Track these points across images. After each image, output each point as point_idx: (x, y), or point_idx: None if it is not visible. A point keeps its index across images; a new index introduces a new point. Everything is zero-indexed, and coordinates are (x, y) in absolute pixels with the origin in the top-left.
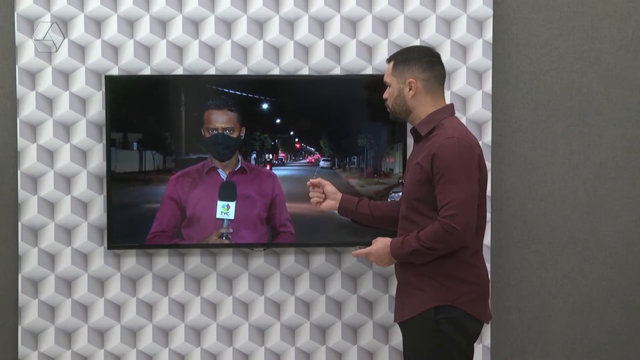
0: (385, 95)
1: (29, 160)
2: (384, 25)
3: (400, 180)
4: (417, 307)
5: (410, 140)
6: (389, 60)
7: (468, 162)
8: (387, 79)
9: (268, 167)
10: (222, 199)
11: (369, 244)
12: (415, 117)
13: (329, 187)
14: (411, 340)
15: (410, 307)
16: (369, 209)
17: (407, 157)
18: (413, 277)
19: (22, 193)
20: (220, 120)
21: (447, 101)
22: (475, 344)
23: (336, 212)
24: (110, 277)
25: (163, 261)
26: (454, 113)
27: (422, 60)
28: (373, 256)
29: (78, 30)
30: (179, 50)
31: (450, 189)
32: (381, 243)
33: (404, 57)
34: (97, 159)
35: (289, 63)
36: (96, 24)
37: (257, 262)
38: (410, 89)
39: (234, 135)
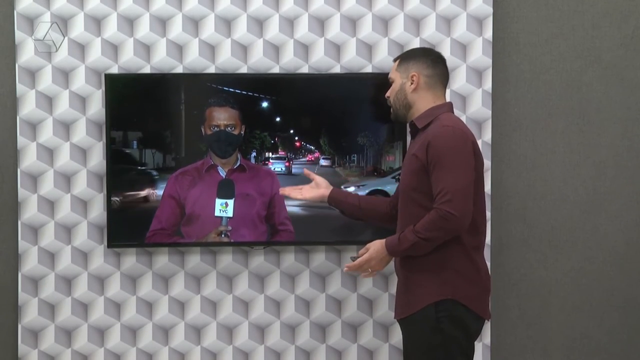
0: (387, 94)
1: (29, 158)
2: (383, 23)
3: (397, 176)
4: (417, 304)
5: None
6: (395, 60)
7: (462, 149)
8: (391, 75)
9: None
10: (220, 197)
11: (363, 243)
12: (415, 113)
13: (319, 178)
14: (411, 337)
15: (410, 303)
16: (357, 200)
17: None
18: (413, 273)
19: (22, 191)
20: (223, 117)
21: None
22: (475, 342)
23: (325, 202)
24: (110, 276)
25: (163, 259)
26: (452, 110)
27: (428, 58)
28: (373, 260)
29: (78, 28)
30: (178, 49)
31: (446, 176)
32: (378, 245)
33: (409, 54)
34: (97, 158)
35: (289, 61)
36: (96, 23)
37: (256, 260)
38: (411, 83)
39: (235, 132)
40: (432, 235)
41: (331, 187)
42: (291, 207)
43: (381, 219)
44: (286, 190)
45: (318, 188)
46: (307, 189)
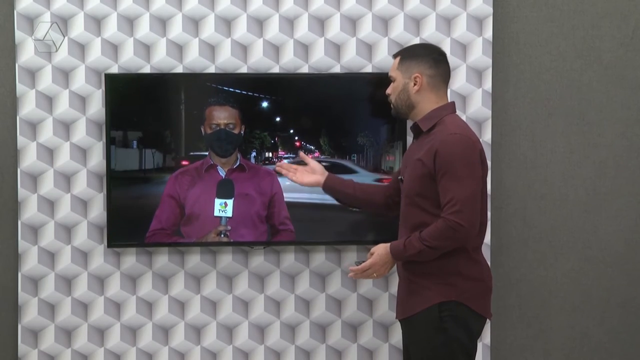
0: (388, 91)
1: (29, 158)
2: (383, 23)
3: (400, 177)
4: (421, 304)
5: (410, 139)
6: (395, 56)
7: (471, 159)
8: (392, 73)
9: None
10: (219, 197)
11: (371, 242)
12: (418, 113)
13: (315, 164)
14: (414, 337)
15: (413, 304)
16: (352, 189)
17: None
18: (416, 275)
19: (22, 191)
20: (223, 116)
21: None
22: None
23: (320, 187)
24: (110, 276)
25: (163, 259)
26: (455, 111)
27: (430, 57)
28: (376, 265)
29: (78, 28)
30: (178, 49)
31: (454, 185)
32: (382, 250)
33: (411, 53)
34: (97, 158)
35: (289, 61)
36: (96, 22)
37: (256, 260)
38: (415, 84)
39: (236, 131)
40: (439, 244)
41: (326, 174)
42: (291, 207)
43: (376, 207)
44: (283, 167)
45: (313, 173)
46: (302, 172)
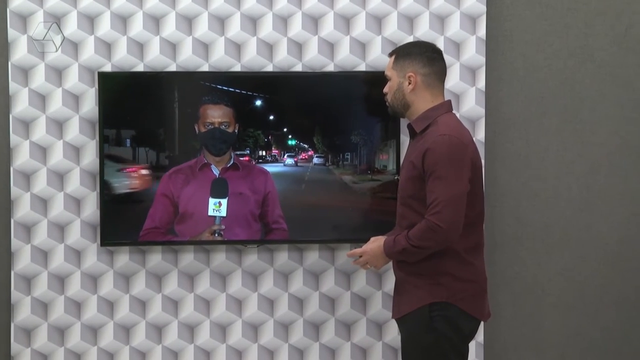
0: (385, 90)
1: (22, 157)
2: (377, 21)
3: (396, 177)
4: (413, 304)
5: (403, 138)
6: (390, 54)
7: (458, 160)
8: (387, 72)
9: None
10: (213, 196)
11: (364, 240)
12: (413, 112)
13: (367, 244)
14: (407, 336)
15: (406, 303)
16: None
17: (400, 154)
18: (409, 275)
19: (14, 190)
20: (217, 114)
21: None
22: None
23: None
24: (103, 274)
25: (156, 258)
26: (451, 110)
27: (423, 55)
28: (368, 254)
29: (71, 26)
30: (172, 47)
31: (438, 186)
32: (376, 242)
33: (405, 51)
34: (90, 156)
35: (283, 60)
36: (89, 21)
37: (250, 258)
38: (409, 83)
39: (230, 130)
40: (422, 244)
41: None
42: (285, 206)
43: None
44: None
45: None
46: (369, 259)
